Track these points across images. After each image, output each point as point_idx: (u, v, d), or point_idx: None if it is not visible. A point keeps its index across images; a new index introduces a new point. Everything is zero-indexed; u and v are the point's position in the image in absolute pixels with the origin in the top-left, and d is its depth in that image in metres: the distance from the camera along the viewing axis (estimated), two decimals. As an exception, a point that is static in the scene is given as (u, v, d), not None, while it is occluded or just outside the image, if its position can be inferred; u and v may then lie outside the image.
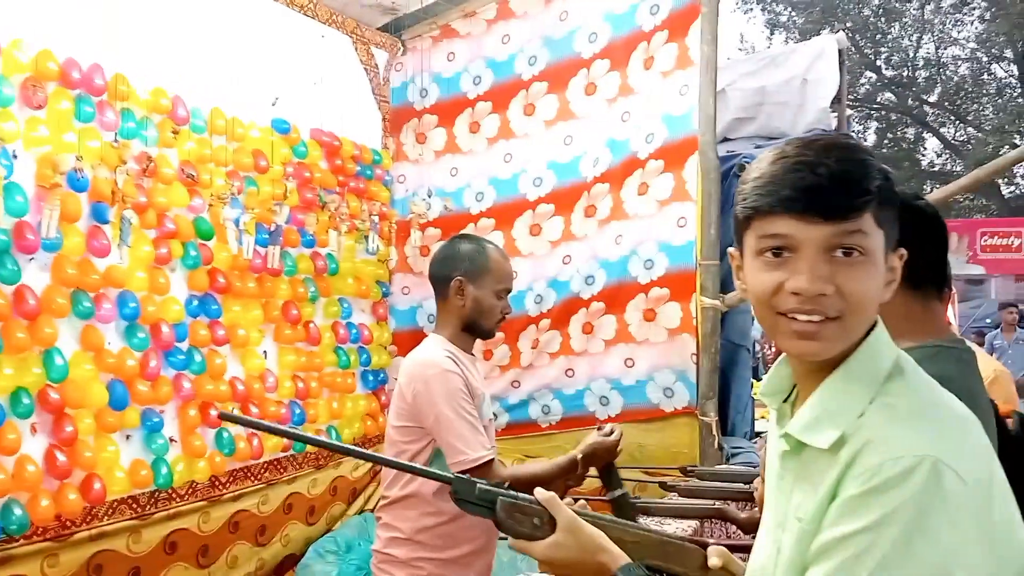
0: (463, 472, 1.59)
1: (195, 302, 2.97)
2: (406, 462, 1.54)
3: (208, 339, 2.97)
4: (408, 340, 3.69)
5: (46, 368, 2.42)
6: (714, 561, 1.09)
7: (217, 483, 3.00)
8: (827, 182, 0.84)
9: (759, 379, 3.90)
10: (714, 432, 3.03)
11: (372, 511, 3.38)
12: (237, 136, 3.16)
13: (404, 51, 4.11)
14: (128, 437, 2.70)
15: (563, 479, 1.92)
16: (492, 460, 1.86)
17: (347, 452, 1.42)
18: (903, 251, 0.91)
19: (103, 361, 2.60)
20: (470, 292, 1.99)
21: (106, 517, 2.59)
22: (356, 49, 3.91)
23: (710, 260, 3.20)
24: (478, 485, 1.10)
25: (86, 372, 2.53)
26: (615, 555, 1.06)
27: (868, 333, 0.89)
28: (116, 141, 2.67)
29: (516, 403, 3.74)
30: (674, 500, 2.19)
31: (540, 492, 1.09)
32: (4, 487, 2.26)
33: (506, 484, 1.13)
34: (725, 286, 3.20)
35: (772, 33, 18.02)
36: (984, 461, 0.83)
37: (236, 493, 3.05)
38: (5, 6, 2.40)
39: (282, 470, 3.30)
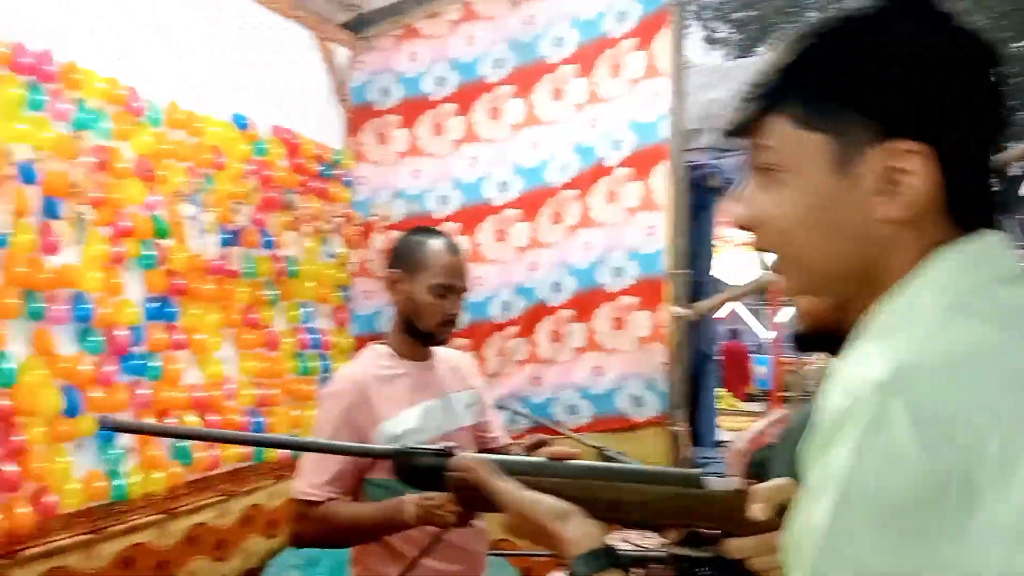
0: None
1: (154, 304, 2.82)
2: (341, 443, 1.53)
3: (166, 343, 2.82)
4: (368, 346, 3.59)
5: (-6, 373, 2.25)
6: (759, 511, 0.81)
7: (174, 495, 2.84)
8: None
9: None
10: (685, 442, 3.03)
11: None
12: (194, 131, 3.02)
13: (366, 49, 4.01)
14: (81, 446, 2.53)
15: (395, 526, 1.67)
16: (310, 502, 1.73)
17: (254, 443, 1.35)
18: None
19: (55, 366, 2.43)
20: (403, 288, 1.85)
21: (60, 532, 2.43)
22: (317, 45, 3.79)
23: (679, 269, 3.21)
24: (418, 459, 0.96)
25: (37, 377, 2.37)
26: (577, 535, 0.85)
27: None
28: (69, 132, 2.51)
29: (481, 411, 3.67)
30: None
31: (457, 462, 0.94)
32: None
33: (448, 450, 0.98)
34: (695, 295, 3.21)
35: (711, 49, 18.41)
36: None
37: (194, 505, 2.90)
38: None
39: (241, 481, 3.15)
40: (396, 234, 3.79)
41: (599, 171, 3.48)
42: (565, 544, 0.85)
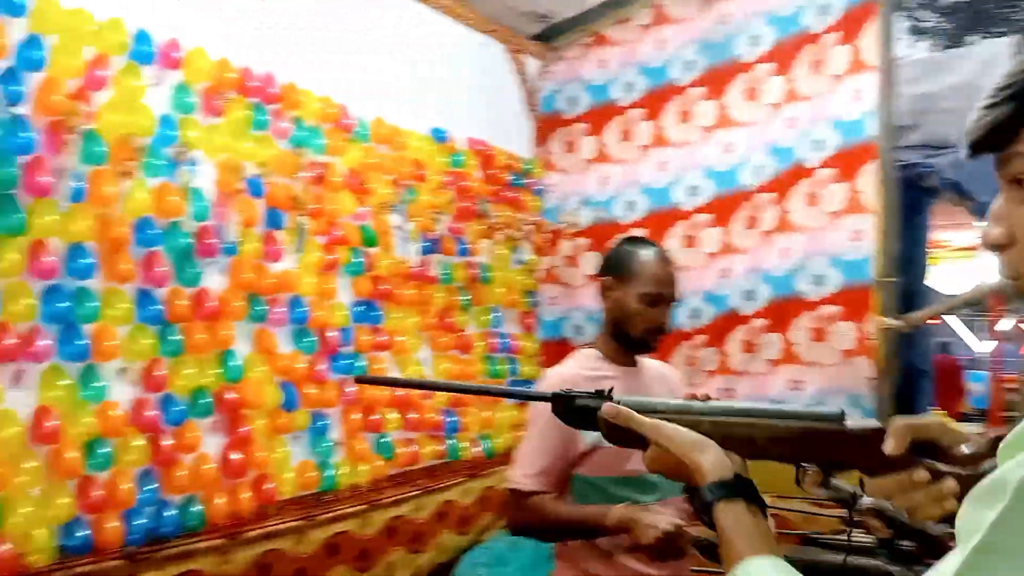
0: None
1: (360, 308, 3.00)
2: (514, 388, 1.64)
3: (370, 344, 2.99)
4: (555, 351, 3.61)
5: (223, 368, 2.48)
6: (890, 445, 0.80)
7: (377, 488, 3.01)
8: None
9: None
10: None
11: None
12: (397, 145, 3.18)
13: (556, 59, 4.06)
14: (296, 438, 2.74)
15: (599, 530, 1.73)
16: (521, 492, 1.81)
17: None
18: None
19: (275, 364, 2.65)
20: (614, 295, 1.90)
21: (276, 517, 2.63)
22: (509, 57, 3.89)
23: (890, 276, 2.99)
24: (577, 400, 1.03)
25: (260, 374, 2.59)
26: (710, 464, 0.86)
27: None
28: (290, 149, 2.73)
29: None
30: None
31: (605, 407, 0.98)
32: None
33: (607, 393, 1.02)
34: (907, 305, 2.97)
35: (916, 40, 17.10)
36: None
37: (394, 498, 3.05)
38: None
39: (437, 477, 3.28)
40: (582, 241, 3.84)
41: (798, 172, 3.32)
42: (699, 471, 0.87)
